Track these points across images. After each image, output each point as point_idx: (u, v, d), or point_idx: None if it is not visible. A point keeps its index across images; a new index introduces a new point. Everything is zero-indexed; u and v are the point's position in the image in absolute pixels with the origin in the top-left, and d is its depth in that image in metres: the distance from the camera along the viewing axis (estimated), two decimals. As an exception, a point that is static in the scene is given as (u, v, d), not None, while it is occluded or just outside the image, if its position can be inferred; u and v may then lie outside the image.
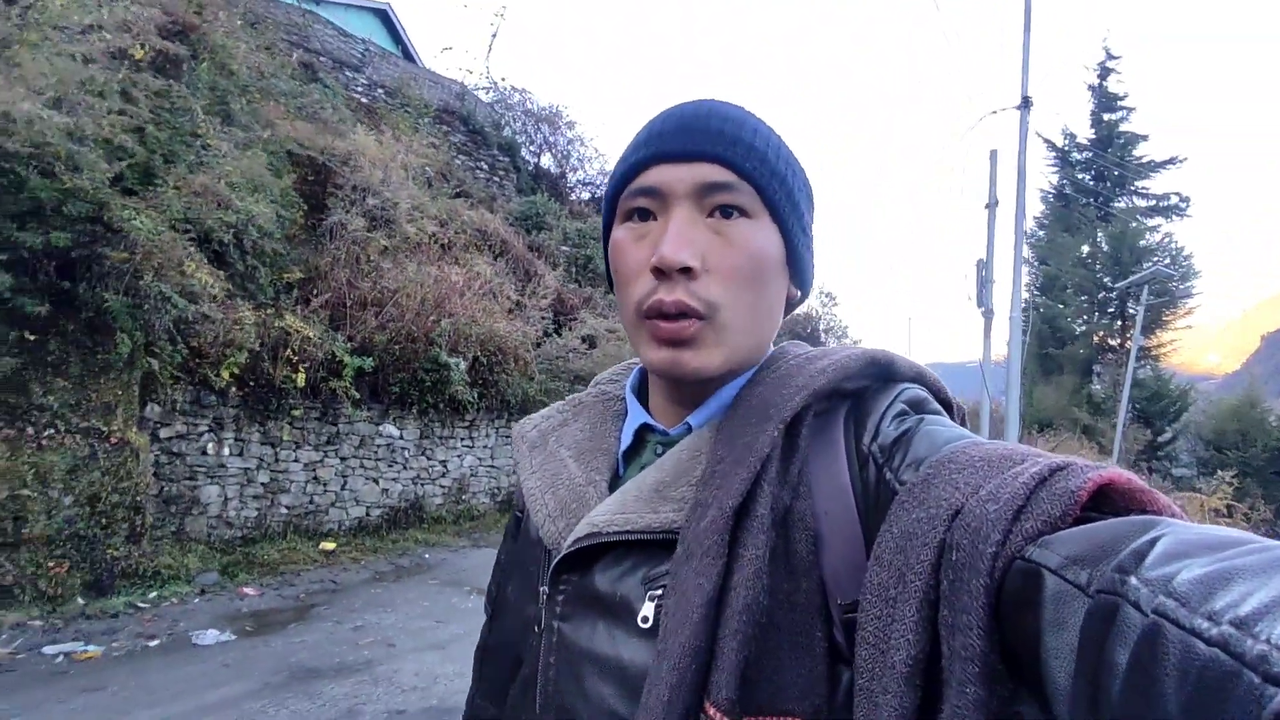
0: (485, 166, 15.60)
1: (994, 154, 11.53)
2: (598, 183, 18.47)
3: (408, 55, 18.72)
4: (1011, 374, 8.83)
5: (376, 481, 7.92)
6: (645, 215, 0.56)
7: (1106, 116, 19.55)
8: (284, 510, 7.00)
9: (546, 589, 0.58)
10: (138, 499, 5.42)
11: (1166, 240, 18.21)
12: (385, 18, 19.49)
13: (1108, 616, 0.28)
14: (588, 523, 0.55)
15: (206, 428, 6.38)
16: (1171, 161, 19.27)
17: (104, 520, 5.15)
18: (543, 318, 10.83)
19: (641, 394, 0.66)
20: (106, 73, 4.68)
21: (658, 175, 0.55)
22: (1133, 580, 0.28)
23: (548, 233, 14.04)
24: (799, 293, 0.62)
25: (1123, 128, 19.53)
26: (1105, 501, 0.36)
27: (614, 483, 0.62)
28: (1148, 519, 0.33)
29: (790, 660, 0.46)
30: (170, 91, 5.44)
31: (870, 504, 0.48)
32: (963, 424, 0.56)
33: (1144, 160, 19.38)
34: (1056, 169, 20.40)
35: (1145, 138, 19.51)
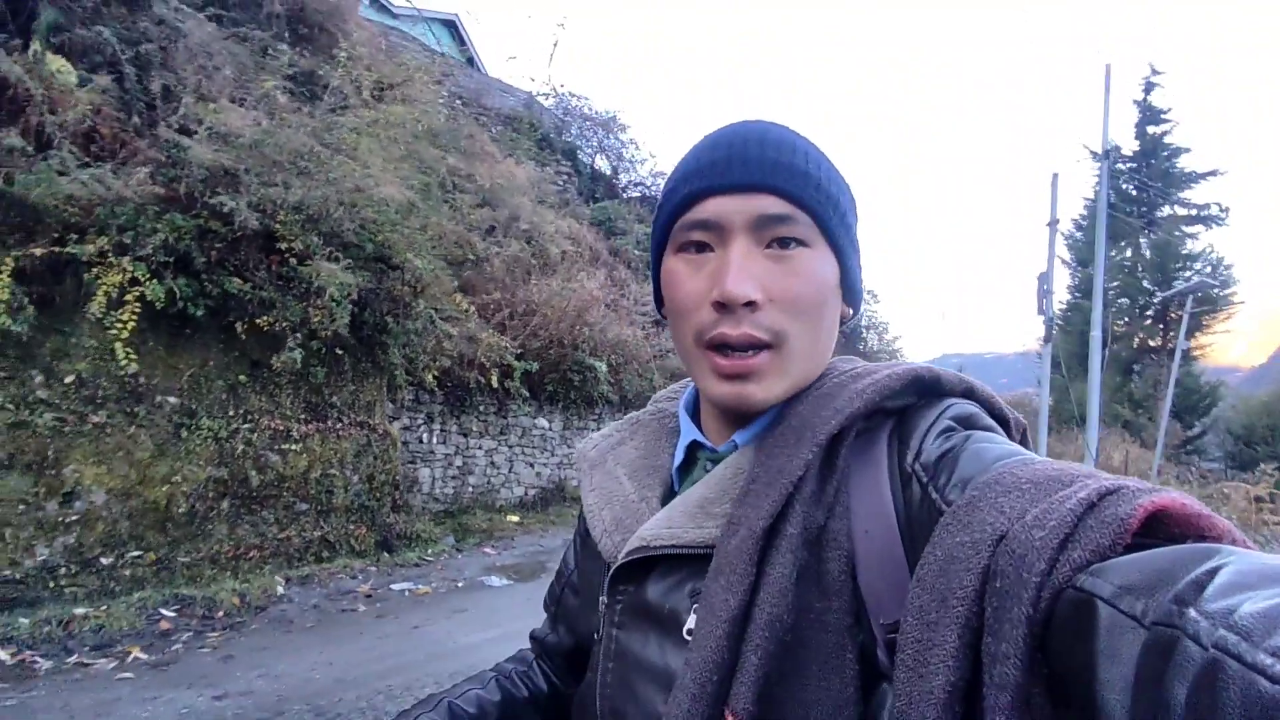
0: (552, 172, 16.85)
1: (1055, 177, 12.62)
2: (648, 183, 19.43)
3: (472, 64, 19.88)
4: (1091, 387, 9.99)
5: (532, 465, 9.34)
6: (702, 248, 0.57)
7: (1150, 129, 20.58)
8: (470, 489, 8.43)
9: (605, 599, 0.61)
10: (395, 478, 6.84)
11: (1207, 250, 19.27)
12: (454, 28, 20.66)
13: (1165, 650, 0.27)
14: (638, 537, 0.58)
15: (422, 421, 7.81)
16: (1212, 173, 20.27)
17: (378, 495, 6.58)
18: (645, 320, 12.17)
19: (695, 411, 0.67)
20: (402, 147, 6.05)
21: (714, 208, 0.55)
22: (1191, 612, 0.27)
23: (620, 237, 15.14)
24: (850, 310, 0.62)
25: (1166, 139, 20.52)
26: (1159, 527, 0.35)
27: (666, 498, 0.64)
28: (1207, 547, 0.31)
29: (819, 679, 0.47)
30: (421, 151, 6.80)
31: (914, 523, 0.48)
32: (1023, 441, 0.55)
33: (1186, 171, 20.36)
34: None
35: (1188, 150, 20.49)
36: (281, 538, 5.76)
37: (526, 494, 9.21)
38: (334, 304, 5.32)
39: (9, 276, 4.15)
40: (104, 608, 4.25)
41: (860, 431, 0.53)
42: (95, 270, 4.43)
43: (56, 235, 4.47)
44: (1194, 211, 20.46)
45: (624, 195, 18.28)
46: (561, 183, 15.55)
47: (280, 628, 4.41)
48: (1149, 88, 20.71)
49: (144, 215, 4.69)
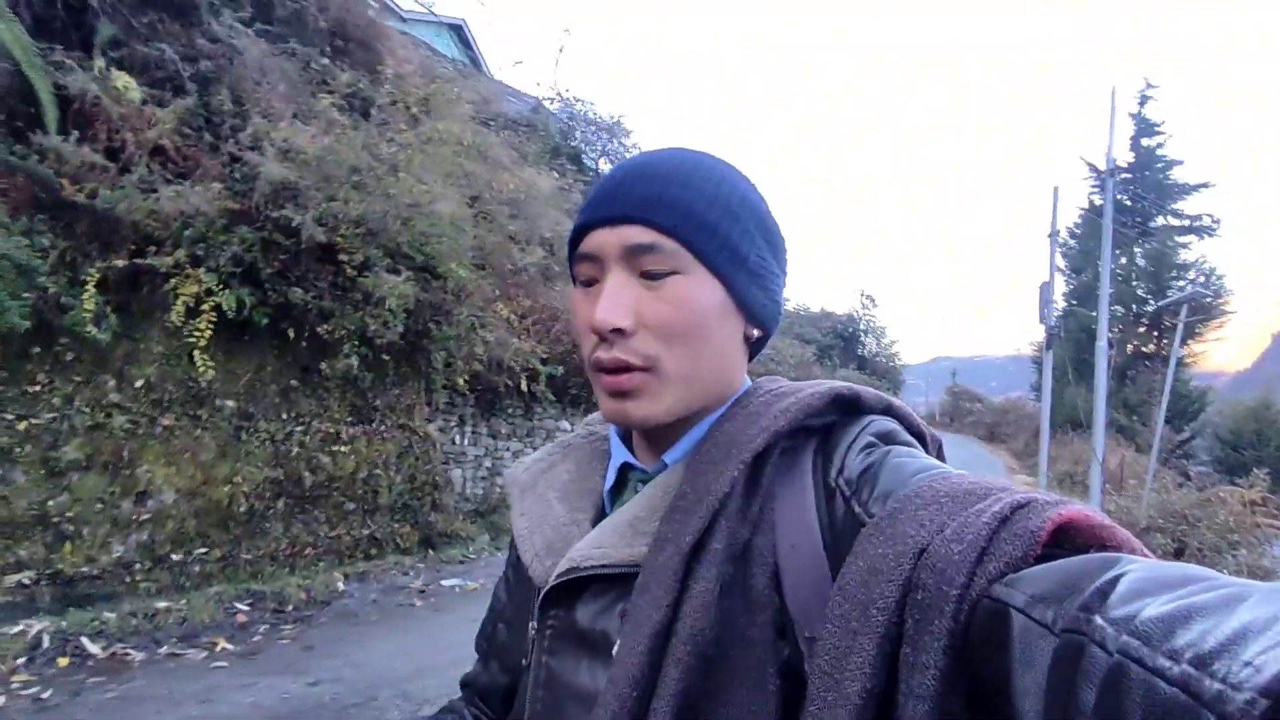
0: (558, 176, 17.07)
1: (1056, 190, 13.00)
2: None
3: (478, 68, 20.06)
4: (1098, 397, 10.33)
5: (554, 467, 9.59)
6: (589, 281, 0.59)
7: (1145, 141, 21.06)
8: (498, 489, 8.66)
9: (535, 624, 0.60)
10: (435, 478, 7.09)
11: (1200, 260, 19.78)
12: (460, 33, 20.83)
13: (1074, 655, 0.29)
14: (567, 559, 0.58)
15: (455, 424, 8.05)
16: (1204, 185, 20.82)
17: (419, 494, 6.82)
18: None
19: (627, 434, 0.67)
20: (450, 162, 6.30)
21: (594, 241, 0.58)
22: (1097, 619, 0.29)
23: None
24: (757, 331, 0.62)
25: (1159, 152, 21.02)
26: (1066, 539, 0.37)
27: (598, 520, 0.63)
28: (1109, 556, 0.34)
29: (741, 694, 0.48)
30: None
31: (838, 537, 0.49)
32: (939, 455, 0.57)
33: (1180, 183, 20.86)
34: (1098, 190, 21.92)
35: (1181, 162, 21.01)
36: (333, 536, 5.99)
37: (549, 495, 9.47)
38: (389, 314, 5.56)
39: (94, 287, 4.37)
40: (184, 601, 4.48)
41: (785, 449, 0.54)
42: (173, 281, 4.65)
43: (133, 247, 4.70)
44: (1187, 222, 20.99)
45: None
46: (581, 191, 15.76)
47: (346, 621, 4.65)
48: (1143, 101, 21.24)
49: (212, 228, 4.92)
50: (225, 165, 5.27)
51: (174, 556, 4.95)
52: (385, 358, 6.42)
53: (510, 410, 8.77)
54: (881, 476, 0.48)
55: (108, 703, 3.28)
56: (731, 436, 0.55)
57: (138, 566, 4.78)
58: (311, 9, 7.28)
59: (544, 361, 9.22)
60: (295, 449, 5.82)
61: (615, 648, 0.52)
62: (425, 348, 6.71)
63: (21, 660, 3.52)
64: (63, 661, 3.60)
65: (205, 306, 4.68)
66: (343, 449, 6.19)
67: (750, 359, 0.64)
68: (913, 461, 0.49)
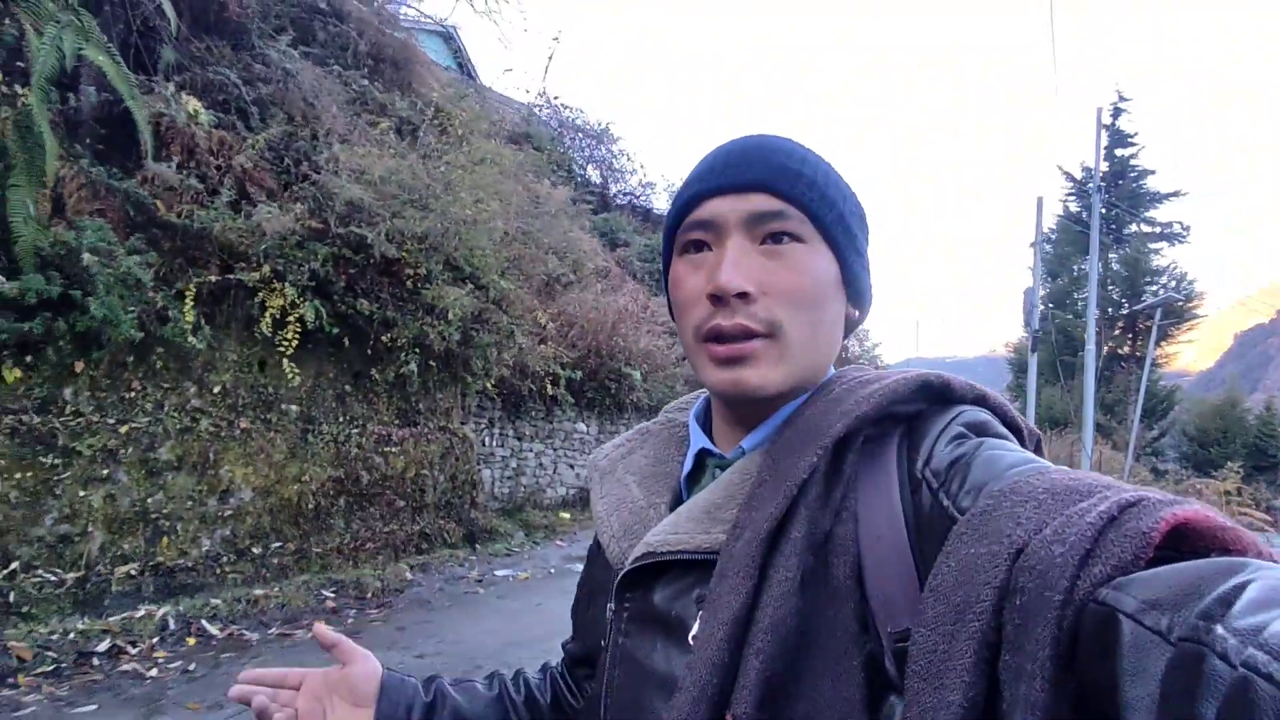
0: (549, 183, 17.40)
1: (1040, 200, 13.68)
2: (637, 194, 20.01)
3: (468, 76, 20.27)
4: (1086, 396, 10.99)
5: (572, 467, 10.03)
6: (700, 247, 0.59)
7: (1118, 151, 22.05)
8: (523, 488, 9.09)
9: (613, 606, 0.62)
10: (473, 477, 7.50)
11: (1172, 265, 20.79)
12: (448, 39, 21.03)
13: (1192, 667, 0.27)
14: (644, 543, 0.58)
15: (485, 426, 8.46)
16: (1175, 194, 21.83)
17: (460, 493, 7.23)
18: (662, 330, 12.93)
19: (706, 421, 0.68)
20: (495, 180, 6.74)
21: (711, 208, 0.58)
22: (1219, 629, 0.27)
23: (623, 249, 15.69)
24: (857, 313, 0.63)
25: (1133, 162, 22.03)
26: (1183, 541, 0.34)
27: (675, 505, 0.64)
28: (1233, 561, 0.31)
29: (825, 684, 0.47)
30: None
31: (923, 530, 0.47)
32: (1037, 451, 0.55)
33: (1151, 192, 21.88)
34: (1075, 198, 22.92)
35: (1153, 171, 22.03)
36: (387, 531, 6.38)
37: (568, 493, 9.90)
38: (446, 324, 5.98)
39: (191, 301, 4.75)
40: (277, 589, 4.86)
41: (869, 437, 0.53)
42: (261, 294, 5.04)
43: (219, 263, 5.08)
44: (1158, 229, 22.00)
45: (614, 205, 18.78)
46: (590, 199, 16.09)
47: (423, 607, 5.07)
48: (1117, 113, 22.22)
49: (287, 244, 5.31)
50: (299, 186, 5.67)
51: (254, 550, 5.32)
52: (432, 364, 6.84)
53: (533, 413, 9.21)
54: (973, 469, 0.46)
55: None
56: (813, 422, 0.54)
57: (224, 559, 5.14)
58: (351, 32, 7.67)
59: (563, 366, 9.69)
60: (354, 450, 6.21)
61: (692, 633, 0.52)
62: (465, 354, 7.13)
63: (155, 640, 3.90)
64: (190, 641, 3.99)
65: (290, 318, 5.07)
66: (393, 450, 6.58)
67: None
68: (1008, 455, 0.47)
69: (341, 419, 6.25)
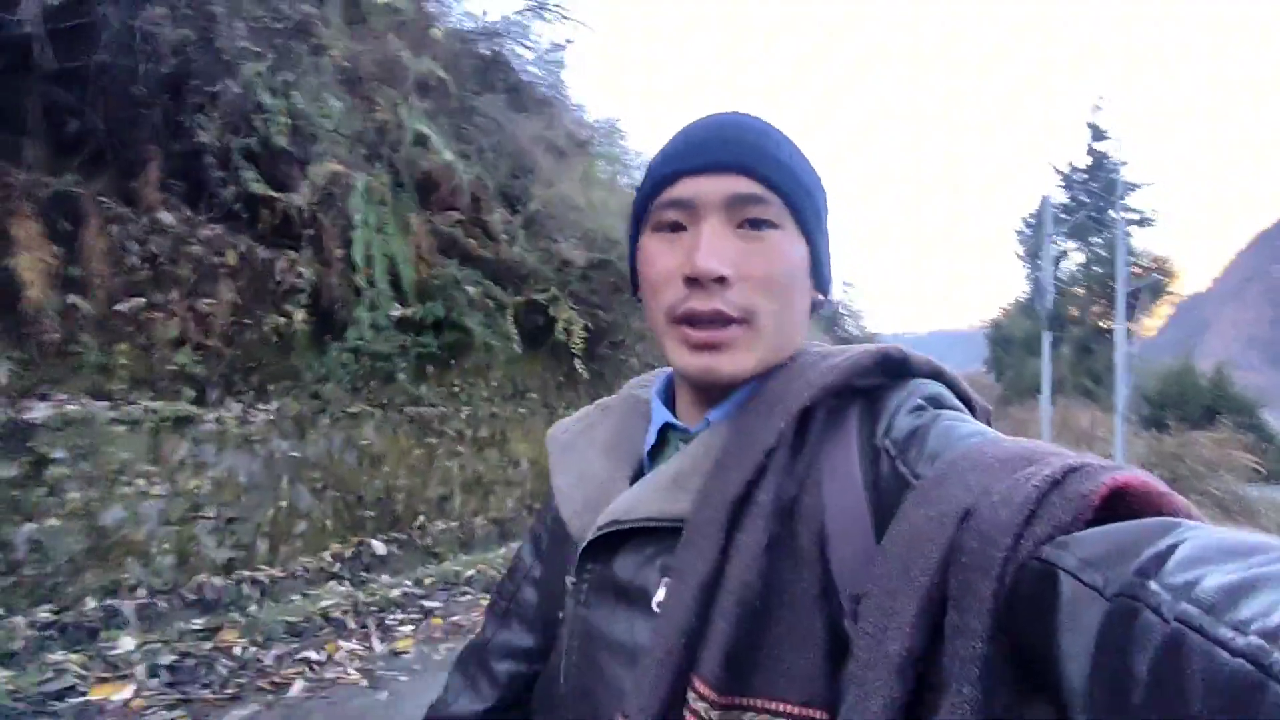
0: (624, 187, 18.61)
1: (1045, 199, 15.60)
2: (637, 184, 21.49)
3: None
4: (1119, 396, 12.97)
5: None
6: (676, 227, 0.58)
7: (1097, 145, 24.44)
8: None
9: (573, 578, 0.62)
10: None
11: (1148, 250, 23.30)
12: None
13: (1126, 620, 0.28)
14: (608, 512, 0.59)
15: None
16: (1146, 184, 24.38)
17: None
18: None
19: (669, 397, 0.68)
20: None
21: (689, 187, 0.57)
22: (1153, 585, 0.28)
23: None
24: (821, 295, 0.64)
25: (1111, 155, 24.45)
26: (1121, 504, 0.36)
27: (637, 479, 0.64)
28: (1167, 521, 0.32)
29: (789, 649, 0.48)
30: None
31: (883, 497, 0.49)
32: (987, 423, 0.56)
33: (1126, 182, 24.25)
34: (1064, 188, 25.34)
35: (1125, 163, 24.41)
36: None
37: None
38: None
39: (512, 316, 6.24)
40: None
41: (830, 409, 0.54)
42: (551, 309, 6.55)
43: (513, 286, 6.55)
44: (1135, 216, 24.42)
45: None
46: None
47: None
48: (1096, 110, 24.56)
49: (572, 269, 6.80)
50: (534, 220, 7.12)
51: (535, 506, 6.86)
52: (651, 363, 8.36)
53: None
54: (930, 438, 0.48)
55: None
56: (778, 393, 0.55)
57: (513, 520, 6.68)
58: (529, 80, 9.04)
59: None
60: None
61: (656, 599, 0.54)
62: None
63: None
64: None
65: (575, 327, 6.57)
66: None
67: None
68: (962, 426, 0.49)
69: (557, 405, 7.77)
